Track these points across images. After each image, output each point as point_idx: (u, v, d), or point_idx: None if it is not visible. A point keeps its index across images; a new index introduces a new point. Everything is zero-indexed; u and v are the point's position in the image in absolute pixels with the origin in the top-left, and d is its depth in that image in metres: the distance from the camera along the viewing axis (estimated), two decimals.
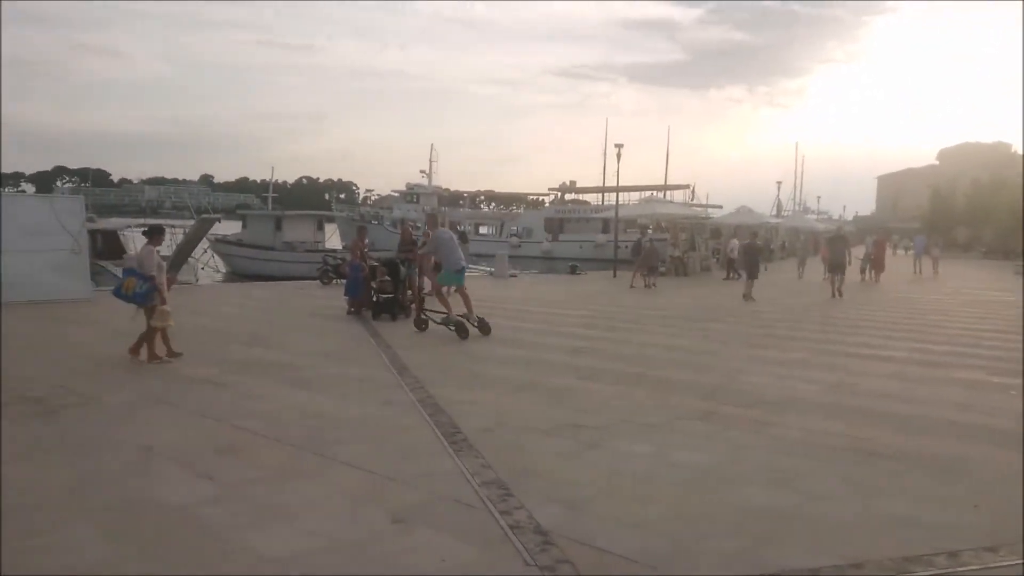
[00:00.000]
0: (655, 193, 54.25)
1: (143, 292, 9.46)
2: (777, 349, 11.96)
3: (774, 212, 55.23)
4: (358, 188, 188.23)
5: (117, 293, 9.68)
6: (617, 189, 38.05)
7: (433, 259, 13.25)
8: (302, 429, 6.76)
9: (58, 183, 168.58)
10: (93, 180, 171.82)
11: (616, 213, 34.06)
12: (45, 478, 5.36)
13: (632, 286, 24.21)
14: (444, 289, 12.81)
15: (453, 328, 12.16)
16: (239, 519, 4.67)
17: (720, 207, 56.36)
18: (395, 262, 14.71)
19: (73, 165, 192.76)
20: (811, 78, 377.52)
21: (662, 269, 27.58)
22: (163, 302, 9.57)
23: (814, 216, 79.98)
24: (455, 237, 13.22)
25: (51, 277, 16.17)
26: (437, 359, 10.45)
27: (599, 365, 10.18)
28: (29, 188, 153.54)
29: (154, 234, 10.26)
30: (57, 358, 9.96)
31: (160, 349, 9.69)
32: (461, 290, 12.72)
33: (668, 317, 16.51)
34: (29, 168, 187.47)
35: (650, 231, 28.84)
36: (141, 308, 9.62)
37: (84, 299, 16.23)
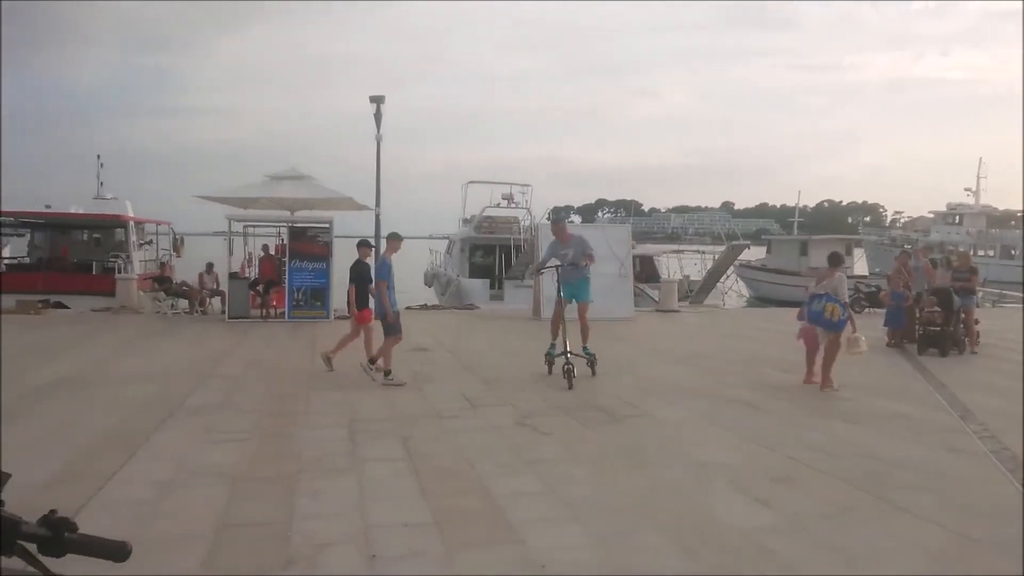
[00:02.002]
0: None
1: (845, 319, 9.69)
2: None
3: None
4: (885, 210, 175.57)
5: (816, 318, 9.79)
6: None
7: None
8: (856, 466, 6.34)
9: (599, 214, 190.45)
10: (628, 210, 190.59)
11: None
12: (618, 482, 5.90)
13: None
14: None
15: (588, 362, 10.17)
16: (803, 554, 4.52)
17: None
18: (948, 291, 13.16)
19: (611, 197, 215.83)
20: None
21: None
22: (854, 330, 9.83)
23: None
24: None
25: (601, 298, 18.11)
26: (1010, 404, 8.97)
27: None
28: (576, 219, 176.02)
29: (838, 262, 10.34)
30: (614, 372, 11.03)
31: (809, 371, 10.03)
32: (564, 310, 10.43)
33: None
34: (577, 201, 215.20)
35: None
36: (830, 333, 9.72)
37: (626, 319, 17.83)
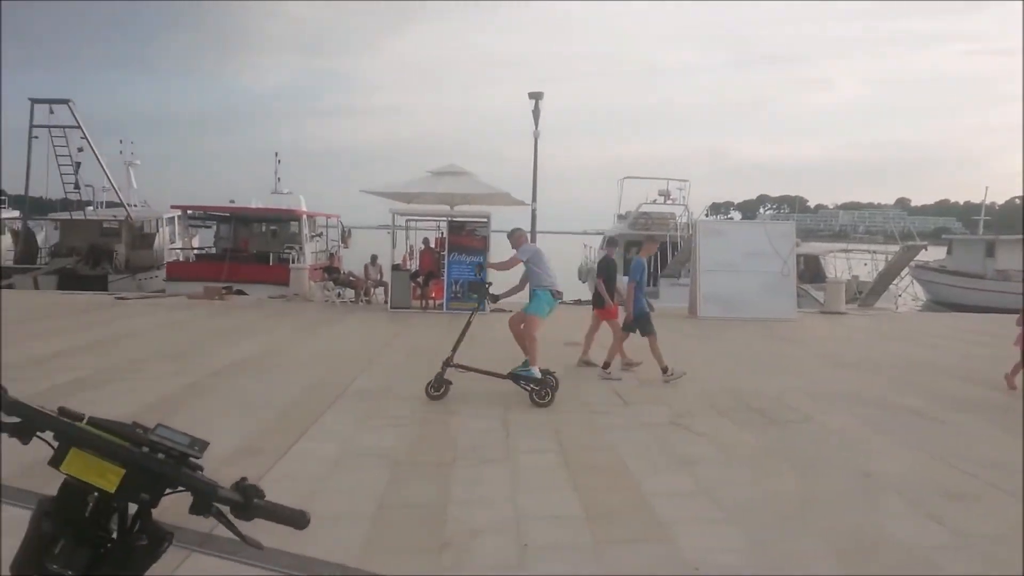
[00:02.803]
0: None
1: None
2: None
3: None
4: None
5: None
6: None
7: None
8: None
9: (761, 210, 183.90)
10: (792, 206, 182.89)
11: None
12: (776, 487, 5.70)
13: None
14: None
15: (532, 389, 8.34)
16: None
17: None
18: None
19: (774, 192, 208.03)
20: None
21: None
22: None
23: None
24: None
25: (761, 297, 17.51)
26: None
27: None
28: (736, 215, 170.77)
29: None
30: (774, 374, 10.64)
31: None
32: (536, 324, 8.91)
33: None
34: (737, 197, 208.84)
35: None
36: None
37: (788, 319, 17.12)
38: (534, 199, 18.29)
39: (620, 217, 30.09)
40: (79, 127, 25.49)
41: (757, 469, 6.15)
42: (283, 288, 20.67)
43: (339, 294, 19.42)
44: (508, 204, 18.96)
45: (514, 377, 8.44)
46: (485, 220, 17.71)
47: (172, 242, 28.18)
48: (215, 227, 28.28)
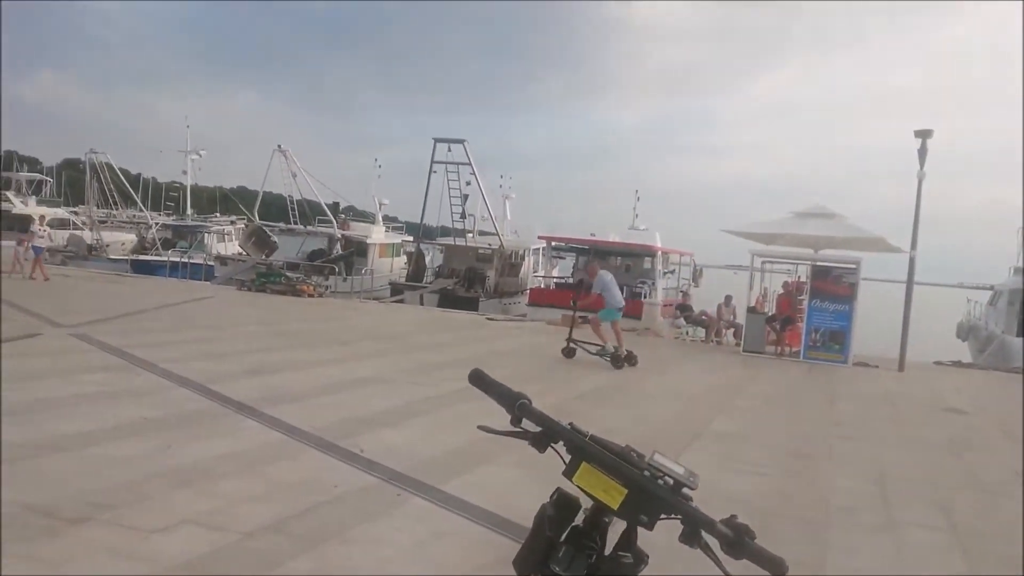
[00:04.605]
0: None
1: None
2: None
3: None
4: None
5: None
6: None
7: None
8: None
9: None
10: None
11: None
12: None
13: None
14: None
15: (608, 358, 12.91)
16: None
17: None
18: None
19: None
20: None
21: None
22: None
23: None
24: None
25: None
26: None
27: None
28: None
29: None
30: None
31: None
32: (615, 325, 13.40)
33: None
34: None
35: None
36: None
37: None
38: (913, 246, 16.60)
39: (1018, 271, 26.18)
40: (470, 163, 28.66)
41: None
42: (634, 322, 21.11)
43: (688, 332, 19.37)
44: (882, 250, 17.46)
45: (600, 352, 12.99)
46: (854, 266, 16.50)
47: (535, 270, 30.32)
48: (574, 258, 29.91)
